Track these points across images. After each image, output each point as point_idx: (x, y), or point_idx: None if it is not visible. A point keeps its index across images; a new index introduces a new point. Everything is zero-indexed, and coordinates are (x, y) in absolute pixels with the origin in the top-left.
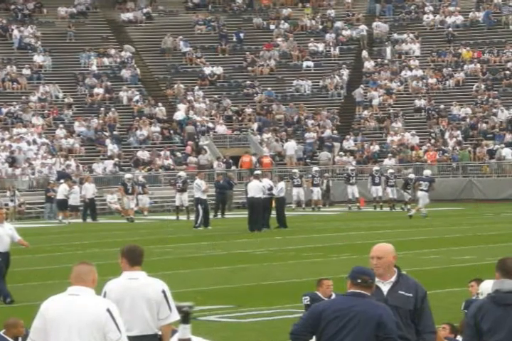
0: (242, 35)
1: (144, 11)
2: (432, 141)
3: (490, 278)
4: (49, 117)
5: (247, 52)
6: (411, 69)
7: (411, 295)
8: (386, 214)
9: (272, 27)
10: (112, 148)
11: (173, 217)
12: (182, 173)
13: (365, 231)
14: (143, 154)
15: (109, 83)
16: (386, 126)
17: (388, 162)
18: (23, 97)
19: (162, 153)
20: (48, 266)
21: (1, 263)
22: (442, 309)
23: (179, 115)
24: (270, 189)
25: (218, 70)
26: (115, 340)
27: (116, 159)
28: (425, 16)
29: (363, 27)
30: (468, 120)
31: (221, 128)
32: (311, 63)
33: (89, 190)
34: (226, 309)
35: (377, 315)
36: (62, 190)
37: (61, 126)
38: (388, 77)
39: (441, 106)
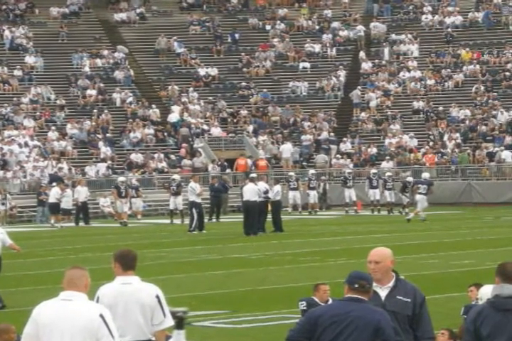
0: (237, 35)
1: (138, 11)
2: (431, 143)
3: (489, 283)
4: (41, 119)
5: (243, 53)
6: (409, 71)
7: (409, 300)
8: (384, 217)
9: (268, 27)
10: (104, 150)
11: (167, 221)
12: (176, 176)
13: (363, 235)
14: (136, 157)
15: (102, 84)
16: (384, 129)
17: (386, 165)
18: (15, 99)
19: (156, 155)
20: (40, 271)
21: None
22: (441, 314)
23: (173, 117)
24: (266, 192)
25: (213, 71)
26: None
27: (109, 162)
28: (424, 17)
29: (361, 27)
30: (467, 122)
31: (216, 131)
32: (307, 64)
33: (82, 193)
34: (221, 314)
35: (375, 321)
36: (54, 194)
37: (53, 128)
38: (386, 78)
39: (440, 108)
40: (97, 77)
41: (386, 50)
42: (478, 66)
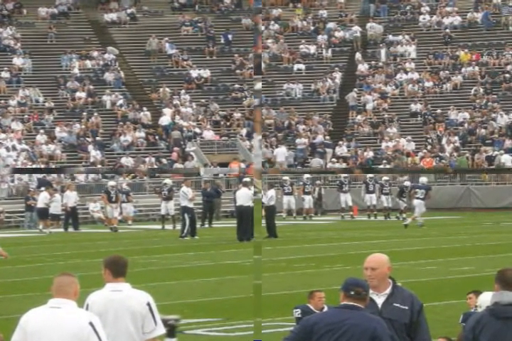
0: (230, 36)
1: (128, 11)
2: (429, 147)
3: (489, 290)
4: (29, 122)
5: (236, 55)
6: (406, 72)
7: (406, 307)
8: (380, 223)
9: (262, 28)
10: (94, 154)
11: (159, 227)
12: (168, 181)
13: (359, 241)
14: (127, 161)
15: (91, 87)
16: (380, 132)
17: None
18: (2, 101)
19: (147, 159)
20: (29, 278)
21: None
22: (439, 322)
23: (165, 120)
24: None
25: (205, 73)
26: None
27: (99, 166)
28: (421, 17)
29: (357, 28)
30: (466, 125)
31: (208, 134)
32: (302, 66)
33: (71, 198)
34: (214, 322)
35: (371, 329)
36: (42, 198)
37: (42, 131)
38: (383, 80)
39: (438, 111)
40: (86, 78)
41: (383, 52)
42: (477, 68)
